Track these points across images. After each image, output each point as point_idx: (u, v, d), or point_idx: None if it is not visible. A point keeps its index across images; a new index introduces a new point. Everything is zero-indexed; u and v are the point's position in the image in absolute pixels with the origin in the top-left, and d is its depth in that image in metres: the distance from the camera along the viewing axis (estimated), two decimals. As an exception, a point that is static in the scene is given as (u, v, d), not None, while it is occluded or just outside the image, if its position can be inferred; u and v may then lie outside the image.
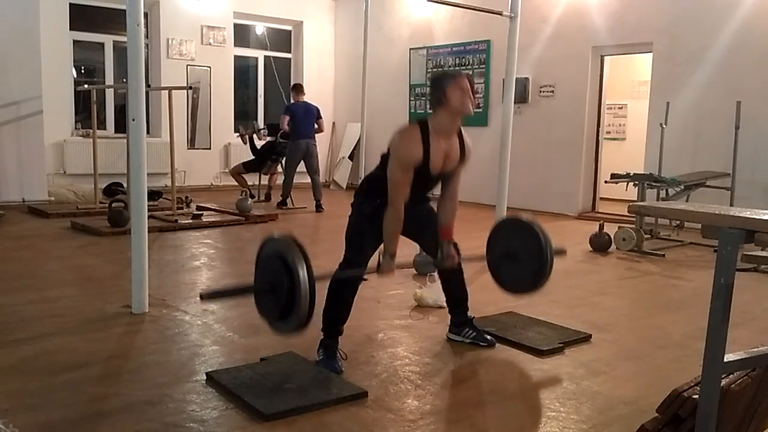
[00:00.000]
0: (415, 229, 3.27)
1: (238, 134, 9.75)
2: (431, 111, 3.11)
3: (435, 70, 10.42)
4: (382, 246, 3.13)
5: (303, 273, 2.61)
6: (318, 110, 8.93)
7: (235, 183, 9.59)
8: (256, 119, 11.87)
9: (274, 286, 2.71)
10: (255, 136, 9.61)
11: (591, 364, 3.27)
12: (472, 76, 9.86)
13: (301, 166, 8.91)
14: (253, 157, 9.44)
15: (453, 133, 3.12)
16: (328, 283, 3.14)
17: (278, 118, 10.30)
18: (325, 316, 3.17)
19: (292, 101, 9.07)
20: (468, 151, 3.20)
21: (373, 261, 3.15)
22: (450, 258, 3.29)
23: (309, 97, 9.11)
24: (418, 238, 3.42)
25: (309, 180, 8.98)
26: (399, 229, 3.06)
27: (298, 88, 9.07)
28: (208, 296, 2.79)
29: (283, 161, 9.10)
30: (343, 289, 3.16)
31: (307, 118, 8.77)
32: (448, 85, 3.02)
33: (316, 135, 8.92)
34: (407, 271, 5.09)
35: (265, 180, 9.78)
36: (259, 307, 2.86)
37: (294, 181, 8.93)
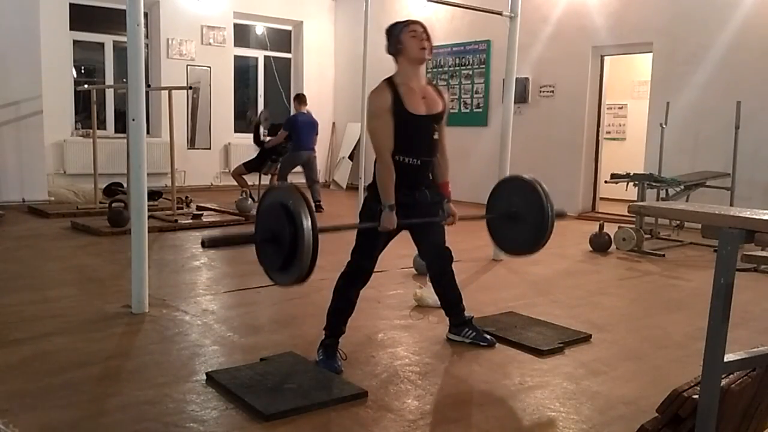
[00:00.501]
0: (420, 231, 3.27)
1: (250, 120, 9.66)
2: (394, 62, 3.13)
3: (435, 70, 10.42)
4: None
5: (307, 221, 2.59)
6: (317, 124, 8.96)
7: (236, 183, 9.56)
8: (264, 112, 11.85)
9: (276, 235, 2.68)
10: (261, 127, 9.54)
11: (591, 364, 3.27)
12: (472, 76, 9.90)
13: (299, 168, 8.93)
14: (255, 147, 9.38)
15: (419, 80, 3.12)
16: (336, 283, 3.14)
17: (278, 118, 10.29)
18: (330, 314, 3.18)
19: (294, 111, 9.07)
20: (446, 96, 3.23)
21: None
22: (452, 215, 3.29)
23: (310, 98, 9.13)
24: (419, 241, 3.42)
25: (305, 181, 8.98)
26: (392, 180, 3.03)
27: (302, 99, 9.08)
28: (209, 243, 2.78)
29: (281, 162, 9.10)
30: (348, 289, 3.16)
31: (310, 131, 8.79)
32: (402, 33, 3.07)
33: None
34: (407, 271, 5.10)
35: (265, 180, 9.77)
36: (261, 257, 2.83)
37: (291, 181, 8.93)
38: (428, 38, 3.09)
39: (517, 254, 3.61)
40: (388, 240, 3.15)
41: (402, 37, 3.06)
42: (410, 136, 3.05)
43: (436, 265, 3.46)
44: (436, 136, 3.17)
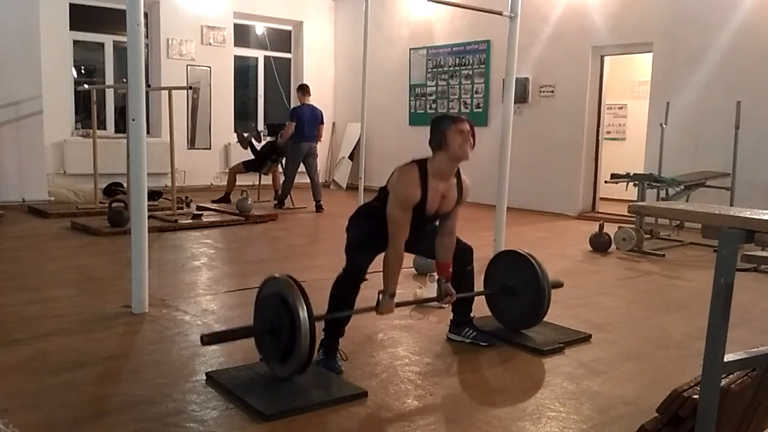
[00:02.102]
0: (413, 244, 3.27)
1: (238, 139, 9.67)
2: (431, 152, 3.09)
3: (435, 70, 10.42)
4: (380, 291, 3.13)
5: (303, 314, 2.66)
6: (322, 115, 8.95)
7: (236, 183, 9.55)
8: (256, 120, 11.88)
9: (274, 327, 2.76)
10: (253, 140, 9.58)
11: (591, 364, 3.27)
12: (472, 76, 9.90)
13: (301, 167, 8.93)
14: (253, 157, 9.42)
15: (451, 176, 3.13)
16: (329, 291, 3.16)
17: (278, 118, 10.29)
18: (329, 319, 3.17)
19: (297, 102, 9.07)
20: (466, 190, 3.21)
21: (371, 300, 3.14)
22: (449, 294, 3.33)
23: (311, 97, 9.11)
24: (417, 250, 3.45)
25: (308, 180, 8.98)
26: (399, 269, 3.08)
27: (305, 89, 9.03)
28: (209, 341, 2.83)
29: (283, 161, 9.10)
30: (347, 291, 3.15)
31: (312, 122, 8.79)
32: (448, 129, 3.02)
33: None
34: (407, 271, 5.10)
35: (265, 180, 9.77)
36: (260, 348, 2.91)
37: (294, 181, 8.94)
38: (473, 136, 3.07)
39: (518, 328, 3.65)
40: (380, 250, 3.14)
41: (447, 132, 3.01)
42: (411, 223, 3.05)
43: (457, 260, 3.42)
44: (430, 228, 3.23)
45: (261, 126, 11.48)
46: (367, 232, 3.13)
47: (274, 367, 2.86)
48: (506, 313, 3.67)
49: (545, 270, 3.51)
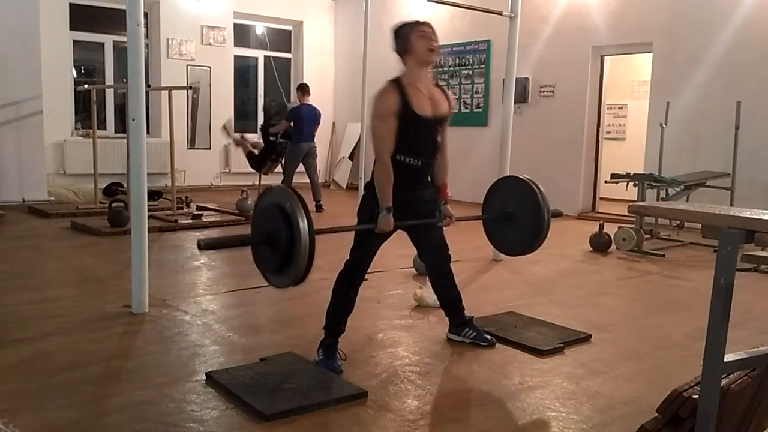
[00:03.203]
0: (417, 232, 3.27)
1: (231, 138, 9.64)
2: (401, 62, 3.11)
3: (435, 70, 10.41)
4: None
5: (303, 223, 2.58)
6: (320, 115, 8.96)
7: (235, 183, 9.56)
8: (256, 120, 11.85)
9: (272, 236, 2.68)
10: (272, 119, 9.49)
11: (591, 364, 3.27)
12: (472, 76, 9.90)
13: (300, 166, 8.93)
14: (255, 151, 9.35)
15: (426, 80, 3.13)
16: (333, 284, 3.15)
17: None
18: (330, 314, 3.18)
19: (297, 102, 9.07)
20: (451, 97, 3.22)
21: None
22: (448, 216, 3.30)
23: (310, 97, 9.11)
24: (417, 242, 3.42)
25: (308, 180, 8.98)
26: (390, 182, 3.03)
27: (305, 89, 9.03)
28: (206, 246, 2.77)
29: (283, 161, 9.09)
30: (347, 288, 3.16)
31: (312, 122, 8.79)
32: (411, 33, 3.06)
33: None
34: (407, 271, 5.10)
35: (265, 180, 9.76)
36: (257, 259, 2.83)
37: (294, 181, 8.93)
38: (436, 39, 3.09)
39: (514, 254, 3.61)
40: (386, 237, 3.14)
41: (411, 37, 3.05)
42: (413, 137, 3.04)
43: (434, 265, 3.47)
44: (438, 138, 3.18)
45: (260, 125, 11.44)
46: (375, 219, 3.08)
47: (271, 278, 2.80)
48: (505, 238, 3.59)
49: (545, 195, 3.43)
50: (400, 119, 3.00)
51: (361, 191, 7.62)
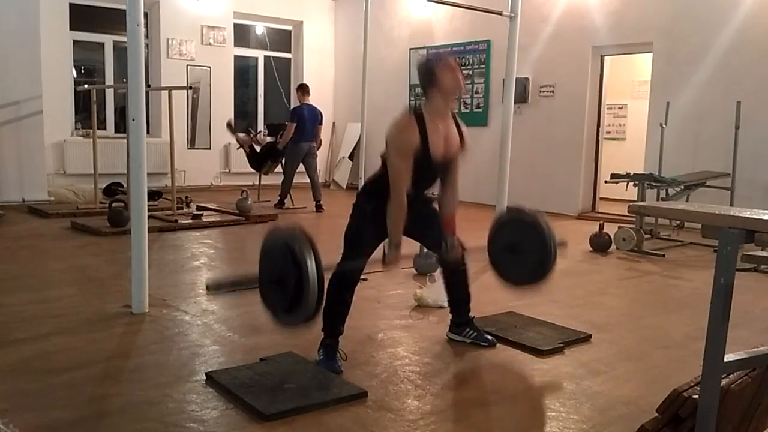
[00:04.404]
0: (419, 228, 3.26)
1: (235, 137, 9.64)
2: (424, 95, 3.11)
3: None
4: (385, 242, 3.10)
5: (311, 263, 2.57)
6: (322, 116, 8.97)
7: (235, 183, 9.56)
8: (256, 120, 11.86)
9: (281, 277, 2.67)
10: (254, 144, 9.54)
11: (591, 364, 3.27)
12: (472, 76, 9.89)
13: (300, 166, 8.94)
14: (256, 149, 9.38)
15: (448, 115, 3.13)
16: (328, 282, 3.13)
17: (278, 118, 10.26)
18: (325, 315, 3.16)
19: (297, 103, 9.08)
20: (466, 136, 3.21)
21: (377, 254, 3.12)
22: (454, 249, 3.27)
23: (310, 97, 9.12)
24: (423, 237, 3.41)
25: (308, 180, 8.98)
26: (403, 219, 3.02)
27: (305, 89, 9.05)
28: (214, 288, 2.75)
29: (283, 161, 9.10)
30: (342, 290, 3.14)
31: (312, 122, 8.80)
32: (438, 66, 3.04)
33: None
34: (407, 271, 5.10)
35: (265, 180, 9.77)
36: (265, 299, 2.82)
37: (293, 181, 8.95)
38: (462, 74, 3.09)
39: (521, 287, 3.58)
40: (380, 239, 3.13)
41: (437, 69, 3.03)
42: (419, 174, 3.04)
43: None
44: (440, 176, 3.20)
45: (261, 126, 11.46)
46: (370, 219, 3.08)
47: (281, 318, 2.78)
48: (510, 271, 3.54)
49: (551, 226, 3.38)
50: (414, 157, 2.99)
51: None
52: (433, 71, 3.04)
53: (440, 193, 3.29)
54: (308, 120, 8.74)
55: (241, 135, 9.62)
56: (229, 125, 9.65)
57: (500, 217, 3.66)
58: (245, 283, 2.91)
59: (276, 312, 2.79)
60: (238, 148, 9.66)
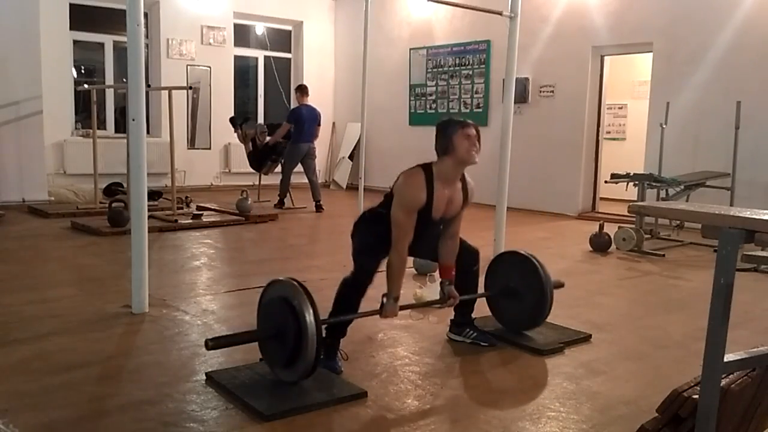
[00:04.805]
0: (416, 248, 3.26)
1: (237, 132, 9.63)
2: (437, 156, 3.09)
3: (435, 70, 10.42)
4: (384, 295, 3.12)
5: (310, 317, 2.63)
6: (320, 116, 8.98)
7: (235, 183, 9.56)
8: (256, 120, 11.86)
9: (280, 331, 2.73)
10: (257, 138, 9.54)
11: (591, 364, 3.27)
12: (472, 76, 9.90)
13: (299, 167, 8.94)
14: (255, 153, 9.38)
15: (456, 180, 3.13)
16: (338, 286, 3.15)
17: (278, 118, 10.25)
18: (331, 316, 3.16)
19: (296, 103, 9.09)
20: (471, 193, 3.21)
21: (375, 301, 3.13)
22: (453, 296, 3.32)
23: (310, 97, 9.12)
24: (417, 252, 3.42)
25: (307, 180, 8.99)
26: (403, 272, 3.07)
27: (304, 90, 9.07)
28: (213, 345, 2.79)
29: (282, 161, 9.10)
30: (351, 294, 3.14)
31: (311, 122, 8.81)
32: (455, 134, 3.01)
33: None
34: (407, 271, 5.08)
35: (265, 180, 9.77)
36: (264, 353, 2.89)
37: (293, 180, 8.95)
38: (479, 140, 3.07)
39: (519, 329, 3.63)
40: (386, 244, 3.13)
41: (454, 137, 3.01)
42: (417, 228, 3.05)
43: (462, 261, 3.40)
44: (436, 232, 3.22)
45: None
46: (375, 238, 3.10)
47: (279, 372, 2.83)
48: (508, 315, 3.65)
49: (548, 271, 3.50)
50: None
51: (362, 192, 7.59)
52: (450, 139, 3.01)
53: (440, 242, 3.29)
54: (307, 120, 8.76)
55: (250, 131, 9.58)
56: (232, 121, 9.64)
57: (496, 259, 3.74)
58: (246, 339, 2.96)
59: (275, 366, 2.84)
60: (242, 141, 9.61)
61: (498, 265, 3.70)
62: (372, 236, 3.13)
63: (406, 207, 2.99)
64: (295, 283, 2.77)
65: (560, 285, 3.72)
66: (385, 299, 3.09)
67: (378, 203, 3.20)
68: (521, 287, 3.54)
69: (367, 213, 3.33)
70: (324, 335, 3.14)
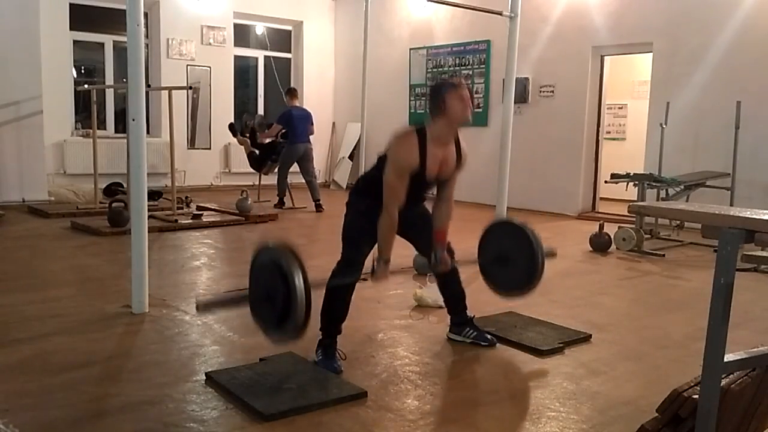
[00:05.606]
0: (411, 230, 3.27)
1: (237, 138, 9.63)
2: (430, 118, 3.10)
3: (435, 70, 10.42)
4: (375, 249, 3.12)
5: (299, 279, 2.60)
6: (311, 115, 9.01)
7: (235, 183, 9.56)
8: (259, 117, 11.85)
9: (269, 293, 2.70)
10: (257, 131, 9.52)
11: (591, 364, 3.27)
12: (472, 76, 9.90)
13: (296, 168, 8.96)
14: (256, 150, 9.38)
15: (451, 140, 3.13)
16: (324, 287, 3.13)
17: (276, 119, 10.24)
18: (323, 315, 3.16)
19: (287, 106, 9.12)
20: (465, 156, 3.21)
21: (367, 265, 3.14)
22: (443, 263, 3.30)
23: (310, 97, 9.17)
24: (415, 240, 3.42)
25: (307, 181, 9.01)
26: (393, 234, 3.06)
27: (293, 93, 9.22)
28: (204, 307, 2.77)
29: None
30: (341, 290, 3.15)
31: (303, 123, 8.84)
32: (448, 93, 3.02)
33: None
34: (407, 271, 5.10)
35: (265, 180, 9.76)
36: (255, 315, 2.86)
37: (293, 181, 8.95)
38: (471, 102, 3.09)
39: (510, 296, 3.62)
40: (375, 234, 3.12)
41: (447, 97, 3.02)
42: (411, 190, 3.05)
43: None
44: (431, 192, 3.23)
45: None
46: (365, 217, 3.09)
47: (270, 333, 2.80)
48: (499, 281, 3.60)
49: (539, 237, 3.44)
50: (409, 175, 3.02)
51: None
52: (443, 98, 3.02)
53: (434, 206, 3.30)
54: (299, 120, 8.79)
55: (250, 121, 9.58)
56: (231, 128, 9.65)
57: (489, 228, 3.70)
58: (235, 302, 2.92)
59: (266, 327, 2.81)
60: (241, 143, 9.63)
61: (490, 233, 3.64)
62: (363, 215, 3.11)
63: (399, 170, 2.99)
64: (285, 246, 2.74)
65: (553, 254, 3.67)
66: (375, 263, 3.07)
67: (372, 166, 3.18)
68: (513, 254, 3.48)
69: (360, 180, 3.31)
70: (321, 335, 3.16)
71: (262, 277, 2.79)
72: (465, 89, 3.07)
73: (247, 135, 9.35)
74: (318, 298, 2.67)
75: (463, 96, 3.03)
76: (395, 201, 3.01)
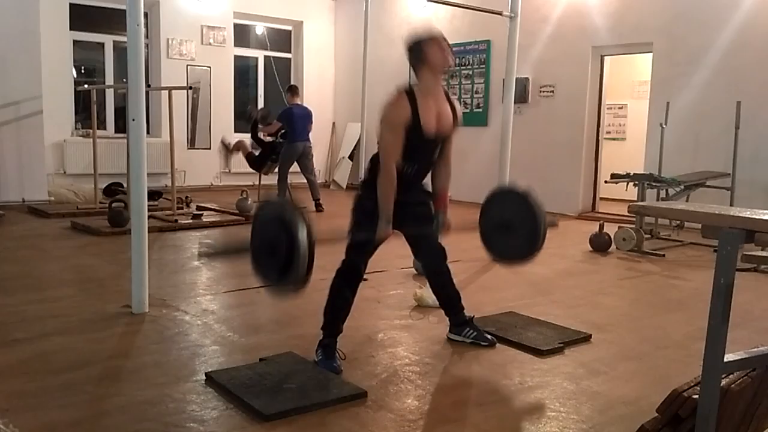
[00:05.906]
0: (412, 230, 3.26)
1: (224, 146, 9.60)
2: (414, 72, 3.13)
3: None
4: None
5: (302, 231, 2.57)
6: (311, 114, 9.00)
7: (235, 183, 9.56)
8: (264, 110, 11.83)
9: (272, 244, 2.67)
10: (259, 123, 9.49)
11: (591, 364, 3.27)
12: (472, 76, 9.90)
13: (296, 167, 8.96)
14: (255, 152, 9.38)
15: (438, 92, 3.15)
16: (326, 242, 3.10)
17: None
18: (326, 313, 3.17)
19: (287, 104, 9.12)
20: (459, 111, 3.25)
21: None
22: (446, 227, 3.32)
23: (310, 97, 9.15)
24: (413, 243, 3.42)
25: (306, 181, 9.01)
26: (392, 192, 3.05)
27: (294, 90, 9.14)
28: (206, 256, 2.77)
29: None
30: (344, 287, 3.16)
31: (304, 121, 8.83)
32: (426, 44, 3.07)
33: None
34: (407, 271, 5.10)
35: (265, 180, 9.76)
36: (256, 267, 2.82)
37: (293, 181, 8.95)
38: (450, 49, 3.12)
39: (510, 263, 3.62)
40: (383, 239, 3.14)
41: (426, 47, 3.06)
42: (413, 149, 3.07)
43: (430, 264, 3.47)
44: (436, 153, 3.22)
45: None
46: (372, 218, 3.07)
47: (272, 286, 2.79)
48: (501, 248, 3.56)
49: (541, 204, 3.40)
50: (406, 131, 3.02)
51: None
52: (421, 48, 3.08)
53: (434, 168, 3.31)
54: (299, 119, 8.77)
55: (255, 112, 9.55)
56: (222, 143, 9.64)
57: (492, 194, 3.66)
58: (237, 251, 2.91)
59: (268, 279, 2.79)
60: (236, 152, 9.65)
61: (492, 200, 3.61)
62: (369, 217, 3.09)
63: (391, 125, 3.01)
64: (287, 201, 2.74)
65: (554, 223, 3.65)
66: (378, 222, 3.06)
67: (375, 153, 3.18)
68: (515, 220, 3.43)
69: (368, 172, 3.23)
70: (321, 335, 3.16)
71: (266, 231, 2.75)
72: (443, 41, 3.11)
73: (251, 121, 9.30)
74: (321, 243, 2.63)
75: (441, 45, 3.08)
76: (391, 158, 3.02)
